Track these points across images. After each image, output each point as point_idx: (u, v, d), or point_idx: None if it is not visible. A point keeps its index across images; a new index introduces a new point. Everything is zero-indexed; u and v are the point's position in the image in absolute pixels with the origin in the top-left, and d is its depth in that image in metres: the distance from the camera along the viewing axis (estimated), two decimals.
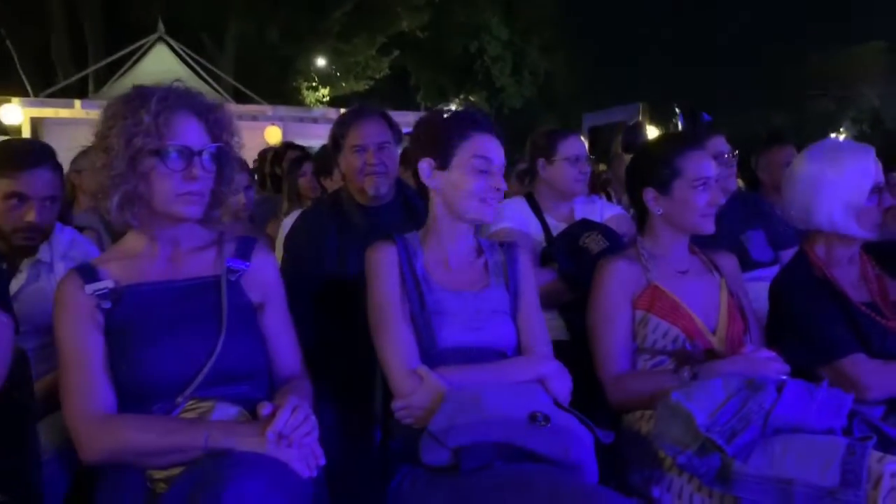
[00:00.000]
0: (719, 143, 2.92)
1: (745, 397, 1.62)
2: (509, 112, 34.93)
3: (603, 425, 2.04)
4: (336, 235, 2.58)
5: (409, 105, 33.74)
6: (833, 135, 22.82)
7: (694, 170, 2.03)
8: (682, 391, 1.69)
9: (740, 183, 6.48)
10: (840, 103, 26.43)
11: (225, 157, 1.70)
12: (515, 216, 2.81)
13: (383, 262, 1.83)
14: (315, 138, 17.11)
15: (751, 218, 2.92)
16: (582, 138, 2.97)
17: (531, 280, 1.96)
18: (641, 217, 2.16)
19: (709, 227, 2.06)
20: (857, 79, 29.98)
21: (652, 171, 2.07)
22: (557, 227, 2.81)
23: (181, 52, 17.54)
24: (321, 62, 24.71)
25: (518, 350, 1.89)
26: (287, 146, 5.73)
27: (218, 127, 1.69)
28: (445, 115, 1.92)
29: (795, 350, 2.04)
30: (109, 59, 17.02)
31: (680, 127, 13.79)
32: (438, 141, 1.85)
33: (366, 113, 2.67)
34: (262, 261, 1.77)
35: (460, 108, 2.04)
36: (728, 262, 2.18)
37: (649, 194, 2.08)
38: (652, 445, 1.77)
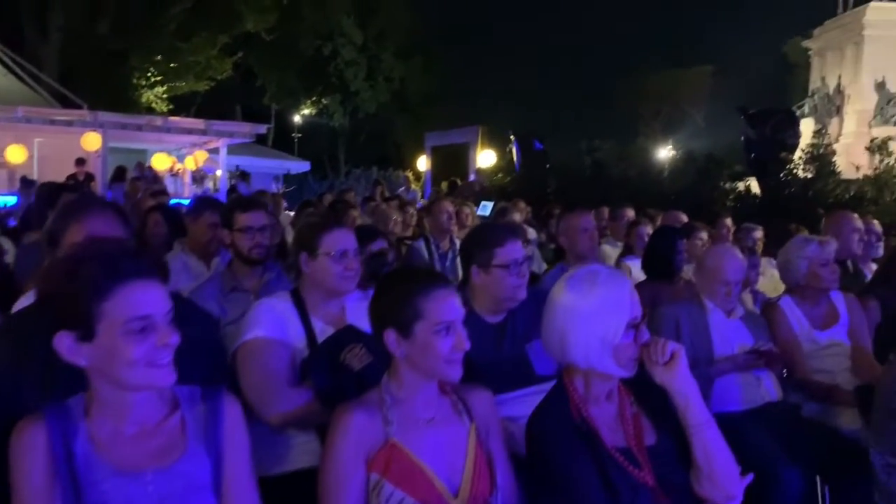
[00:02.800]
0: (515, 249, 2.68)
1: None
2: (364, 116, 34.66)
3: None
4: (45, 355, 2.14)
5: (257, 106, 32.61)
6: (662, 152, 24.29)
7: (437, 312, 1.81)
8: None
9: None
10: (668, 125, 28.30)
11: None
12: (272, 321, 2.49)
13: (23, 450, 1.47)
14: (139, 143, 16.00)
15: (538, 322, 2.70)
16: (350, 232, 2.66)
17: (241, 438, 1.67)
18: (388, 357, 1.92)
19: (454, 374, 1.85)
20: (685, 100, 32.27)
21: (392, 310, 1.84)
22: (325, 330, 2.52)
23: None
24: (157, 59, 23.17)
25: None
26: (62, 187, 5.06)
27: None
28: (74, 267, 1.50)
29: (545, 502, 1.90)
30: None
31: (514, 153, 14.16)
32: (73, 308, 1.47)
33: (91, 206, 2.27)
34: None
35: (94, 250, 1.60)
36: (481, 401, 1.99)
37: (390, 336, 1.84)
38: None
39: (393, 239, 5.89)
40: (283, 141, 33.33)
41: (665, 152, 24.48)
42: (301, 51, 29.47)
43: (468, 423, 1.92)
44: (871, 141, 9.68)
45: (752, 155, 8.89)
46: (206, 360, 2.36)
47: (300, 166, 24.25)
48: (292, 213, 9.06)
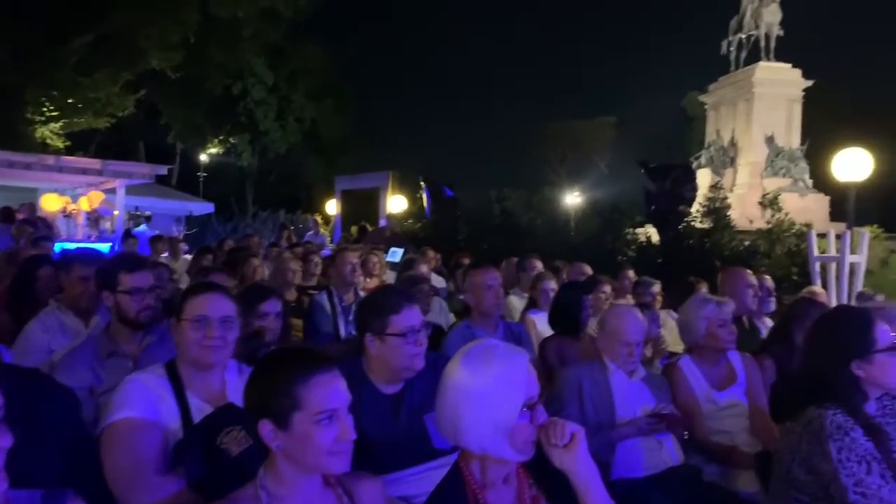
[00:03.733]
0: (412, 316, 2.55)
1: None
2: (274, 156, 34.06)
3: None
4: None
5: (162, 144, 31.60)
6: (568, 198, 25.01)
7: (317, 401, 1.65)
8: None
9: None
10: (574, 171, 29.34)
11: None
12: (142, 399, 2.24)
13: None
14: (29, 182, 15.11)
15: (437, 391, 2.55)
16: (219, 296, 2.43)
17: None
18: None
19: (339, 467, 1.69)
20: (590, 149, 33.50)
21: (267, 399, 1.66)
22: (202, 409, 2.30)
23: None
24: (55, 94, 22.04)
25: None
26: None
27: None
28: None
29: None
30: None
31: (425, 199, 14.17)
32: None
33: None
34: None
35: None
36: (369, 493, 1.83)
37: (265, 428, 1.66)
38: None
39: (290, 291, 5.68)
40: (188, 180, 32.38)
41: (571, 198, 25.26)
42: (208, 89, 28.78)
43: None
44: (763, 196, 10.18)
45: (653, 207, 9.19)
46: (65, 444, 2.11)
47: (204, 207, 23.50)
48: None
